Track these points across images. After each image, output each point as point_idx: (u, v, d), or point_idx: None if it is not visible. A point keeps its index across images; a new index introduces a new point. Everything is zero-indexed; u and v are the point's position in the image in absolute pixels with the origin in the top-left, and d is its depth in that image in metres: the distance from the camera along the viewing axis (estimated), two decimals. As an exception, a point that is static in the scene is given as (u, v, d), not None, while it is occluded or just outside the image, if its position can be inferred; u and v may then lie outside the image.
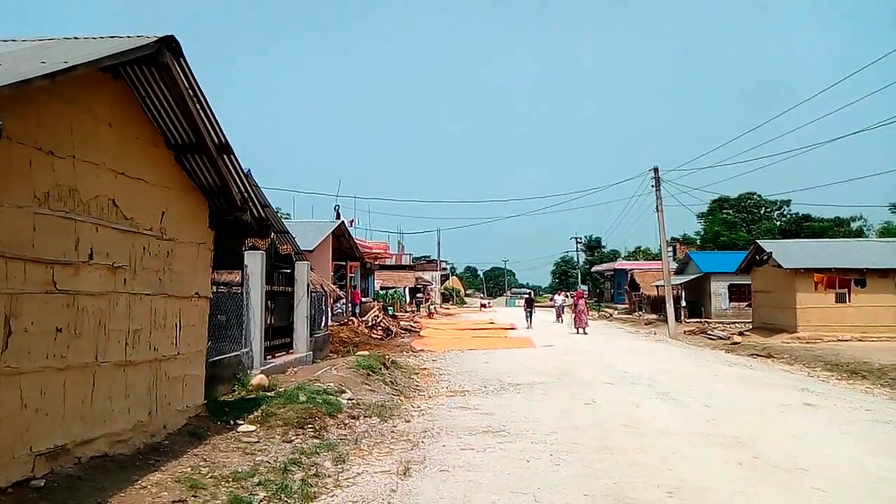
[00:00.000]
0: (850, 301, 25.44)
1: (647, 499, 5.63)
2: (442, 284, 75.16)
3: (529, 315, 34.24)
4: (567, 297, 43.45)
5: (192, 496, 5.33)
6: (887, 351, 18.68)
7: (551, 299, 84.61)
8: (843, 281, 25.57)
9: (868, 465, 6.85)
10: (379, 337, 23.83)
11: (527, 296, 41.27)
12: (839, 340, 23.06)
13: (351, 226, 32.88)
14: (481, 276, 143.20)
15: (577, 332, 28.31)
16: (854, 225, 58.36)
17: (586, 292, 47.17)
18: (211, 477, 5.84)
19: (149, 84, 6.51)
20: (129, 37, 6.29)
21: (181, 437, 7.00)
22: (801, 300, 25.08)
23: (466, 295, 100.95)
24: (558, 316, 39.23)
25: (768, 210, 65.35)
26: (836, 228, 56.69)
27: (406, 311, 41.65)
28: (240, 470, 6.09)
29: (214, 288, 10.96)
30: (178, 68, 6.39)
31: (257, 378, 10.14)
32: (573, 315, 30.29)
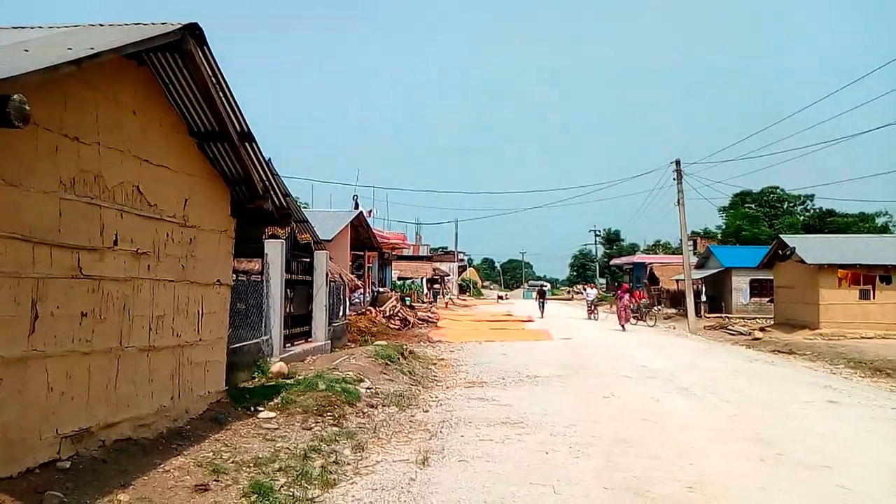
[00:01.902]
0: (874, 298, 25.07)
1: (667, 493, 5.58)
2: (459, 276, 75.13)
3: (542, 306, 37.26)
4: (597, 290, 40.06)
5: (214, 480, 5.39)
6: (912, 349, 18.36)
7: (577, 292, 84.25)
8: (868, 277, 25.20)
9: (892, 464, 6.73)
10: (396, 327, 23.90)
11: (539, 288, 44.93)
12: (862, 338, 22.71)
13: (369, 216, 33.01)
14: (498, 267, 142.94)
15: (624, 329, 26.10)
16: (879, 221, 57.36)
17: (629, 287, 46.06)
18: (232, 462, 5.89)
19: (172, 71, 6.55)
20: (153, 24, 6.31)
21: (203, 422, 7.08)
22: (824, 296, 24.77)
23: (483, 287, 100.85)
24: (590, 312, 34.62)
25: (791, 204, 64.38)
26: (861, 224, 55.76)
27: (423, 302, 41.71)
28: (260, 455, 6.14)
29: (235, 276, 11.05)
30: (201, 56, 6.41)
31: (277, 365, 10.22)
32: (618, 310, 28.07)
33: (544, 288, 43.32)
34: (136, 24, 6.40)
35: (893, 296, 24.93)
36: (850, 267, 25.14)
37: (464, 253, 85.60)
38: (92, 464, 5.24)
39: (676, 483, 5.86)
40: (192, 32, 6.21)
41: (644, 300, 33.05)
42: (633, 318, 29.72)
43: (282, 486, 5.41)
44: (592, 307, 34.76)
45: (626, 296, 28.44)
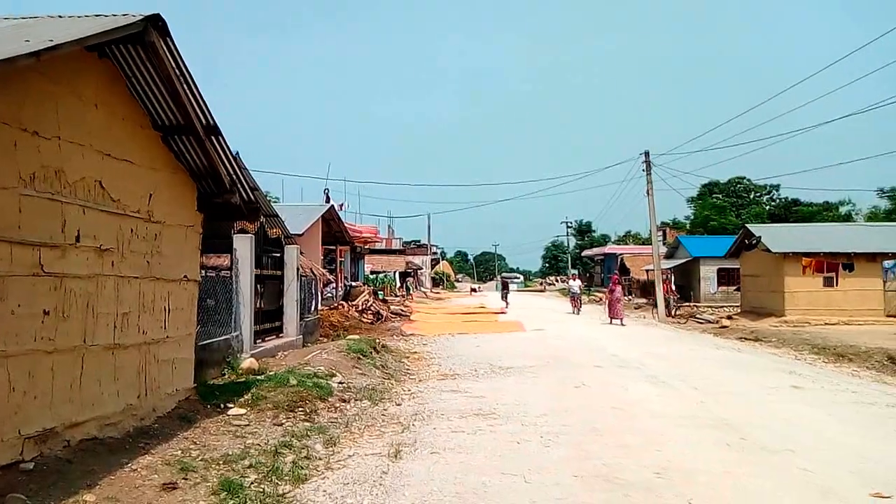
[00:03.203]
0: (837, 285, 25.72)
1: (635, 479, 5.68)
2: (432, 269, 75.14)
3: (505, 296, 37.73)
4: (580, 282, 36.62)
5: (183, 479, 5.33)
6: (873, 334, 18.91)
7: (550, 283, 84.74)
8: (831, 265, 25.83)
9: (853, 446, 6.93)
10: (369, 321, 23.85)
11: (503, 279, 46.02)
12: (826, 324, 23.31)
13: (341, 210, 32.90)
14: (471, 260, 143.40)
15: (612, 323, 25.00)
16: (843, 209, 58.84)
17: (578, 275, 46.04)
18: (201, 460, 5.83)
19: (135, 64, 6.42)
20: (114, 15, 6.18)
21: (171, 420, 6.99)
22: (789, 284, 25.33)
23: (456, 279, 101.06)
24: (574, 306, 32.55)
25: (757, 194, 65.69)
26: (825, 213, 57.16)
27: (396, 296, 41.64)
28: (230, 453, 6.09)
29: (203, 272, 10.90)
30: (164, 48, 6.29)
31: (247, 362, 10.13)
32: (607, 303, 26.63)
33: (507, 280, 44.50)
34: (97, 15, 6.26)
35: (856, 283, 25.61)
36: (815, 255, 25.75)
37: (437, 246, 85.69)
38: (57, 464, 5.14)
39: (645, 469, 5.97)
40: (155, 24, 6.10)
41: (618, 287, 32.97)
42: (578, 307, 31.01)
43: (252, 483, 5.38)
44: (577, 300, 32.97)
45: (619, 288, 26.76)
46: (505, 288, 39.89)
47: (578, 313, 31.42)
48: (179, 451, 6.02)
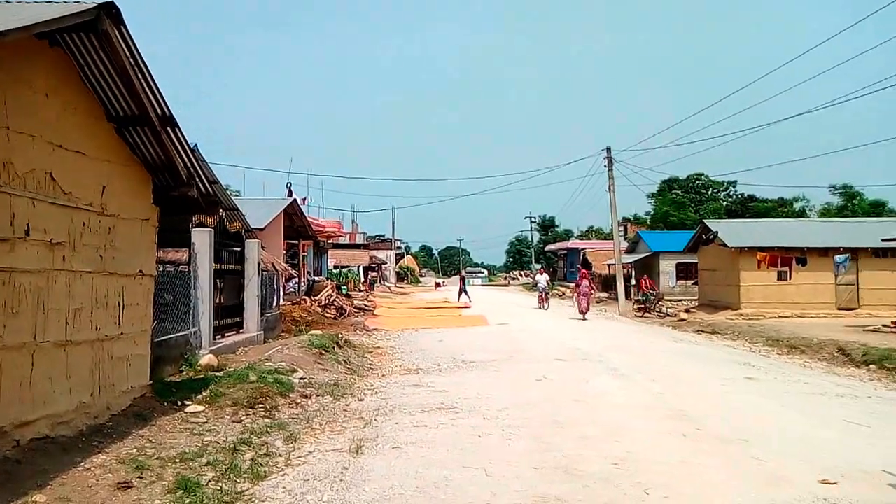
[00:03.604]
0: (791, 279, 26.46)
1: (594, 470, 5.77)
2: (396, 263, 74.97)
3: (462, 291, 37.89)
4: (547, 276, 35.07)
5: (138, 477, 5.22)
6: (825, 326, 19.52)
7: (514, 278, 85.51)
8: (785, 259, 26.55)
9: (804, 435, 7.16)
10: (332, 316, 23.68)
11: (460, 274, 47.99)
12: (780, 317, 23.99)
13: (303, 204, 32.55)
14: (436, 255, 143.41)
15: (583, 319, 24.81)
16: (797, 205, 60.62)
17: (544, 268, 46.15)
18: (157, 458, 5.72)
19: (88, 53, 6.24)
20: (66, 2, 6.00)
21: (126, 418, 6.83)
22: (744, 278, 25.94)
23: (421, 274, 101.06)
24: (541, 301, 31.73)
25: (715, 190, 67.16)
26: (780, 209, 58.80)
27: (360, 290, 41.42)
28: (187, 450, 5.99)
29: (160, 266, 10.67)
30: (118, 36, 6.14)
31: (206, 358, 9.97)
32: (577, 297, 26.27)
33: (465, 275, 45.33)
34: (48, 1, 6.07)
35: (809, 277, 26.39)
36: (769, 250, 26.44)
37: (401, 240, 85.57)
38: (5, 465, 4.99)
39: (604, 460, 6.07)
40: (109, 12, 5.94)
41: (585, 280, 32.75)
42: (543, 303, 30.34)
43: (209, 481, 5.30)
44: (544, 295, 32.07)
45: (585, 282, 26.41)
46: (462, 282, 40.42)
47: (547, 308, 30.73)
48: (134, 450, 5.89)
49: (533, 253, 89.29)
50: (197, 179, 7.89)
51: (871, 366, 12.50)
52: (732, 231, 28.28)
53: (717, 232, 28.24)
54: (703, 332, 20.29)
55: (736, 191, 65.49)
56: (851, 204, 55.12)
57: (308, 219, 30.90)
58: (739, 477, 5.64)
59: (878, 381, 11.38)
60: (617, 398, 9.26)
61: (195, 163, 7.82)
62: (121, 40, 6.18)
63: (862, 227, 28.02)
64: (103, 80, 6.50)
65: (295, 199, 28.60)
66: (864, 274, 26.23)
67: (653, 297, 29.50)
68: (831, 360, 13.66)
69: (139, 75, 6.51)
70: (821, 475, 5.60)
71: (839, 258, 26.46)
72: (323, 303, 25.13)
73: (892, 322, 19.04)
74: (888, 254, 24.91)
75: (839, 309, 25.84)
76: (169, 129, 7.16)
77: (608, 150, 32.06)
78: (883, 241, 21.73)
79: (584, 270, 29.92)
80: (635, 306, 29.12)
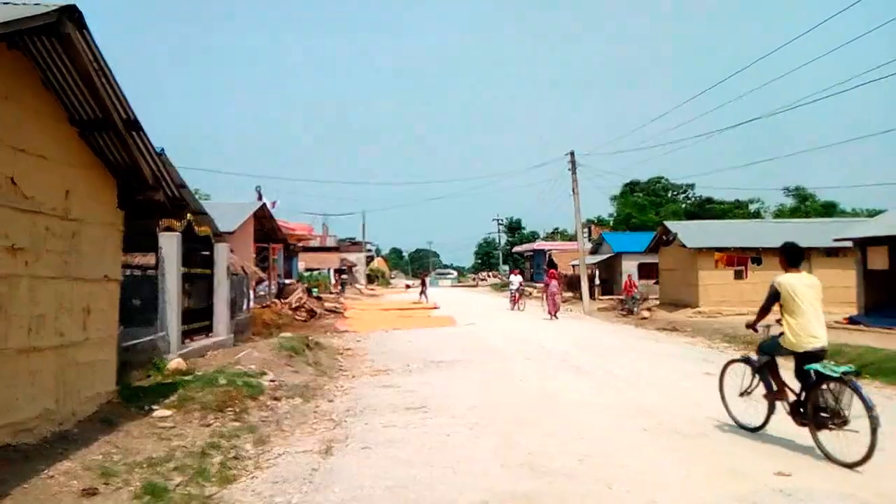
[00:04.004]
0: (746, 278, 27.20)
1: (558, 466, 5.92)
2: (367, 266, 74.67)
3: (422, 292, 39.62)
4: (521, 278, 34.25)
5: (104, 484, 5.19)
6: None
7: (482, 279, 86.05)
8: (741, 259, 27.31)
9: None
10: (303, 318, 23.57)
11: (420, 275, 51.01)
12: (737, 314, 24.59)
13: (273, 207, 32.24)
14: (406, 257, 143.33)
15: (552, 319, 24.80)
16: (752, 207, 62.25)
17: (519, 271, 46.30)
18: (124, 464, 5.69)
19: (49, 56, 6.17)
20: (25, 4, 5.92)
21: (92, 424, 6.76)
22: (702, 277, 26.59)
23: (391, 276, 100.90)
24: (514, 302, 31.00)
25: (675, 193, 68.51)
26: (736, 210, 60.28)
27: (331, 293, 41.23)
28: (155, 455, 5.97)
29: (127, 271, 10.55)
30: (81, 40, 6.07)
31: (174, 362, 9.88)
32: (545, 298, 25.97)
33: (425, 276, 46.59)
34: (6, 2, 5.98)
35: (764, 276, 26.96)
36: (726, 250, 27.16)
37: (371, 243, 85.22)
38: (-36, 475, 4.92)
39: (568, 457, 6.23)
40: (71, 15, 5.88)
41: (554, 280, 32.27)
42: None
43: (177, 486, 5.30)
44: (517, 296, 31.15)
45: (554, 282, 26.27)
46: (423, 284, 41.38)
47: (523, 309, 29.79)
48: (100, 456, 5.85)
49: (500, 254, 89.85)
50: (163, 183, 7.84)
51: (824, 361, 12.93)
52: (691, 232, 28.95)
53: (676, 233, 28.87)
54: (663, 329, 20.76)
55: (694, 193, 67.01)
56: (804, 205, 56.91)
57: (278, 222, 30.68)
58: (699, 471, 5.83)
59: (831, 375, 11.79)
60: (581, 395, 9.46)
61: (161, 167, 7.77)
62: (83, 44, 6.12)
63: (814, 228, 28.91)
64: (66, 84, 6.44)
65: (265, 203, 28.41)
66: (816, 273, 26.53)
67: (638, 298, 28.95)
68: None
69: (102, 79, 6.45)
70: (776, 468, 5.82)
71: (793, 257, 27.21)
72: (293, 305, 24.99)
73: (844, 318, 19.73)
74: (839, 253, 25.73)
75: (794, 306, 26.56)
76: (134, 132, 7.10)
77: (572, 154, 32.52)
78: (834, 240, 22.46)
79: (552, 271, 29.40)
80: (619, 307, 28.12)
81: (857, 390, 5.98)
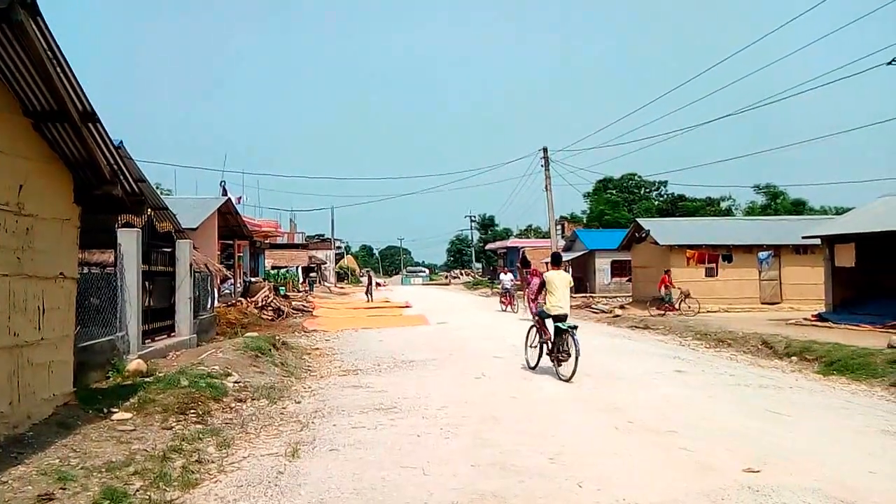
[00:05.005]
0: (718, 275, 27.60)
1: (529, 465, 5.86)
2: (336, 263, 74.15)
3: (367, 291, 39.36)
4: (512, 276, 31.36)
5: (61, 489, 4.97)
6: (750, 320, 20.41)
7: (455, 277, 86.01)
8: (712, 256, 27.68)
9: (730, 425, 7.45)
10: (269, 318, 23.25)
11: (367, 273, 51.14)
12: (708, 311, 24.94)
13: (238, 203, 31.80)
14: (377, 254, 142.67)
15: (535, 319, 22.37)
16: (724, 204, 63.37)
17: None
18: (82, 468, 5.47)
19: (1, 45, 5.90)
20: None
21: (48, 427, 6.50)
22: (674, 274, 26.89)
23: (361, 274, 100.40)
24: (506, 303, 28.88)
25: (647, 190, 69.39)
26: (708, 208, 61.33)
27: (299, 291, 40.80)
28: (114, 460, 5.75)
29: (85, 268, 10.22)
30: (34, 28, 5.82)
31: (134, 363, 9.59)
32: (527, 296, 23.66)
33: (371, 274, 46.53)
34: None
35: (734, 273, 27.57)
36: (697, 247, 27.51)
37: (341, 240, 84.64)
38: None
39: (539, 455, 6.16)
40: (23, 2, 5.62)
41: (536, 277, 30.44)
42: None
43: (137, 490, 5.10)
44: (508, 296, 28.81)
45: (536, 279, 22.87)
46: (369, 283, 41.36)
47: (517, 311, 27.33)
48: (57, 460, 5.62)
49: (473, 252, 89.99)
50: (121, 177, 7.58)
51: (792, 357, 13.14)
52: (663, 229, 29.26)
53: (648, 230, 29.16)
54: (636, 327, 20.89)
55: (667, 190, 67.98)
56: (775, 203, 58.03)
57: (243, 218, 30.21)
58: (669, 467, 5.83)
59: (799, 372, 11.98)
60: (552, 394, 9.42)
61: (119, 160, 7.52)
62: (37, 32, 5.86)
63: (784, 226, 29.48)
64: (18, 74, 6.16)
65: (229, 199, 27.91)
66: (786, 270, 27.60)
67: (679, 295, 25.93)
68: (756, 353, 14.29)
69: (57, 69, 6.20)
70: (745, 464, 5.84)
71: (762, 255, 27.73)
72: (260, 304, 24.64)
73: (813, 315, 20.10)
74: (808, 250, 26.24)
75: (763, 303, 27.08)
76: (90, 124, 6.84)
77: (545, 150, 32.67)
78: (803, 238, 22.86)
79: (534, 268, 27.30)
80: (651, 306, 25.22)
81: (573, 337, 10.39)
